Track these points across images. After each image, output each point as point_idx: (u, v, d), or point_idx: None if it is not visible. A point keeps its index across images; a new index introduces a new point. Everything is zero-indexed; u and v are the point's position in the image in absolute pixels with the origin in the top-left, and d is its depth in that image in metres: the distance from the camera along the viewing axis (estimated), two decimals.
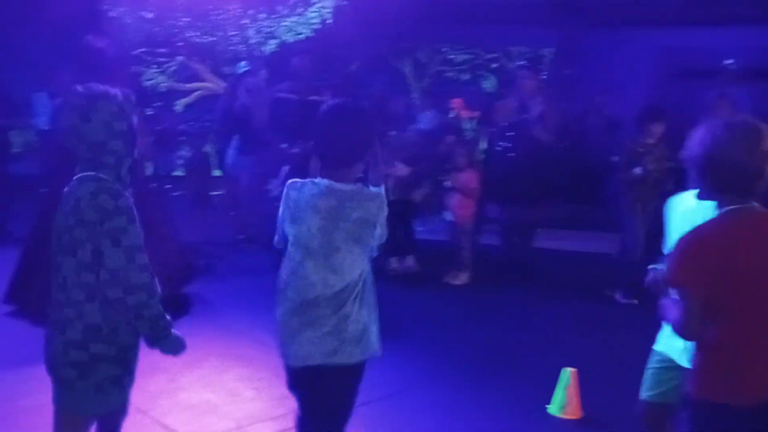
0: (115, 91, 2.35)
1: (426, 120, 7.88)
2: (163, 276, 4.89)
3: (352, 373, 2.52)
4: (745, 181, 2.06)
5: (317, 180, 2.49)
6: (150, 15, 9.68)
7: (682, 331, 2.10)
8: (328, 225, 2.42)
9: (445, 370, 4.35)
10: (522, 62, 9.74)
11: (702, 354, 2.14)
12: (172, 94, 10.47)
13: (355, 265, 2.46)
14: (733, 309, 2.06)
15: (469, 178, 6.01)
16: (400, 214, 6.44)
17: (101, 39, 5.15)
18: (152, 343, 2.34)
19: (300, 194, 2.51)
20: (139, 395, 3.65)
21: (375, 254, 2.57)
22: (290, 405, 3.69)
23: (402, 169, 6.15)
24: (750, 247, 2.05)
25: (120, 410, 2.57)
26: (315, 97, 6.50)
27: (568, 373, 3.79)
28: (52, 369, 2.35)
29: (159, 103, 9.97)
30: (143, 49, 9.71)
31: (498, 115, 6.30)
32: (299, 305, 2.48)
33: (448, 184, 6.13)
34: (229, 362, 4.21)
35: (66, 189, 2.31)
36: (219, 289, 5.68)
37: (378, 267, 6.16)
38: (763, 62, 8.88)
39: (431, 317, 5.37)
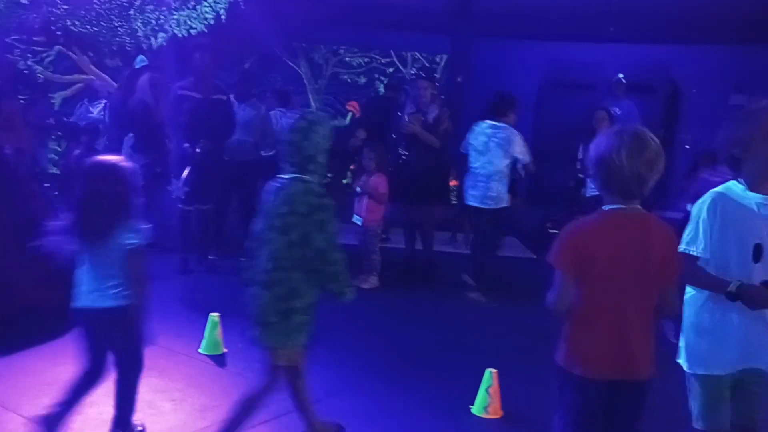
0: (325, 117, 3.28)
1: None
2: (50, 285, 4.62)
3: None
4: (627, 185, 2.32)
5: None
6: (24, 1, 9.00)
7: (553, 305, 2.42)
8: None
9: (364, 376, 4.32)
10: (418, 69, 9.90)
11: (565, 329, 2.48)
12: (49, 86, 9.76)
13: None
14: (586, 294, 2.39)
15: (378, 182, 6.02)
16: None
17: None
18: (340, 296, 3.05)
19: None
20: (36, 410, 3.38)
21: None
22: (212, 416, 3.55)
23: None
24: (613, 243, 2.36)
25: (305, 348, 3.18)
26: (218, 96, 6.29)
27: (489, 374, 3.88)
28: (259, 316, 3.02)
29: (33, 95, 9.24)
30: (15, 37, 8.97)
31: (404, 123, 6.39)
32: None
33: (357, 188, 6.12)
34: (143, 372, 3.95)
35: (275, 184, 3.04)
36: None
37: None
38: (637, 77, 9.59)
39: (344, 322, 5.31)
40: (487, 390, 3.86)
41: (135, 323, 3.08)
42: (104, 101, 8.01)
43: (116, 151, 7.12)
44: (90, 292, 3.04)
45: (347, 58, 10.44)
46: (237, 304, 5.28)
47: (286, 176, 3.02)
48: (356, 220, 6.15)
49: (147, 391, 3.74)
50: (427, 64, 10.24)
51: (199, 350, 4.34)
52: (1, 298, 4.43)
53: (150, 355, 4.16)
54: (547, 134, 9.77)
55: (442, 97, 7.34)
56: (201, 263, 6.36)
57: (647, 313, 2.41)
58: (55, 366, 3.96)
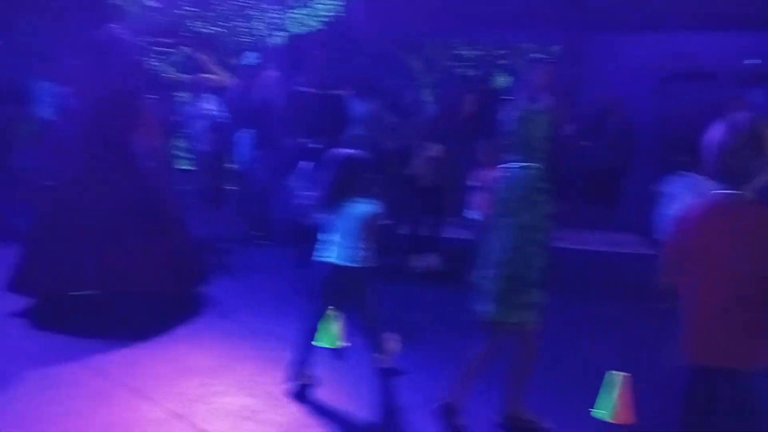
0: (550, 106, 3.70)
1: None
2: (175, 273, 4.84)
3: None
4: (737, 172, 2.34)
5: None
6: (154, 4, 9.51)
7: (657, 279, 2.56)
8: None
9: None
10: (533, 57, 9.67)
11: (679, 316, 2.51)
12: (175, 85, 10.25)
13: None
14: (694, 278, 2.43)
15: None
16: (430, 203, 6.34)
17: (121, 30, 5.05)
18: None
19: None
20: (173, 399, 3.55)
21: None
22: (334, 409, 3.60)
23: (436, 150, 6.00)
24: (717, 227, 2.39)
25: (534, 325, 3.44)
26: (334, 91, 6.38)
27: (614, 377, 3.71)
28: (493, 294, 3.34)
29: (162, 94, 9.73)
30: (147, 39, 9.48)
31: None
32: None
33: (473, 181, 6.01)
34: (263, 365, 4.07)
35: (507, 172, 3.33)
36: (236, 288, 5.54)
37: (397, 265, 6.14)
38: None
39: (458, 319, 5.26)
40: (612, 394, 3.69)
41: (368, 283, 3.80)
42: (222, 98, 8.28)
43: (238, 146, 7.41)
44: (336, 251, 3.77)
45: (460, 51, 10.34)
46: (356, 298, 5.42)
47: (514, 165, 3.34)
48: (472, 214, 6.05)
49: (269, 382, 3.87)
50: (538, 57, 10.00)
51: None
52: (134, 285, 4.71)
53: (268, 347, 4.32)
54: (670, 127, 9.24)
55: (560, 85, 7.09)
56: None
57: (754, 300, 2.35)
58: (191, 353, 4.14)
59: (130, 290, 4.70)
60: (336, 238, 3.80)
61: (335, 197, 3.77)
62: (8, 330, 4.46)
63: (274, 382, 3.87)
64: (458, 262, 6.12)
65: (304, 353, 3.83)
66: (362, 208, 3.76)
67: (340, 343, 4.42)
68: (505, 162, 3.38)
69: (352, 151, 3.94)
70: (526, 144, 3.32)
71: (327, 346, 4.37)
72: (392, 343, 4.14)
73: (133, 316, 4.59)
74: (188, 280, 5.11)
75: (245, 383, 3.85)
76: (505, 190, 3.36)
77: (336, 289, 3.83)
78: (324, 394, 3.80)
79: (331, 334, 4.40)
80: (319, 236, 3.88)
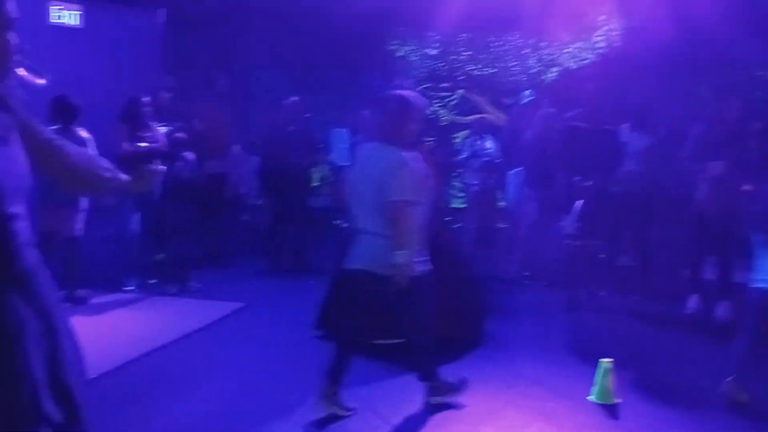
0: None
1: None
2: (454, 313, 4.83)
3: None
4: None
5: None
6: (434, 51, 10.03)
7: None
8: None
9: None
10: None
11: None
12: (452, 127, 10.64)
13: None
14: None
15: None
16: (720, 236, 5.63)
17: (405, 85, 5.38)
18: None
19: None
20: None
21: None
22: None
23: (716, 167, 5.35)
24: None
25: None
26: (607, 126, 6.04)
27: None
28: None
29: (440, 137, 10.16)
30: (427, 85, 10.01)
31: None
32: None
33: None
34: (530, 416, 3.88)
35: None
36: (503, 331, 5.42)
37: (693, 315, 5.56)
38: None
39: None
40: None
41: None
42: (495, 137, 8.34)
43: (510, 185, 7.38)
44: None
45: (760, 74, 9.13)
46: (630, 348, 5.00)
47: None
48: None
49: None
50: None
51: (589, 397, 4.11)
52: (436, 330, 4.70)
53: (536, 397, 4.14)
54: None
55: None
56: (590, 300, 6.13)
57: None
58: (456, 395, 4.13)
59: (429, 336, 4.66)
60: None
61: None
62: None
63: None
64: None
65: None
66: None
67: (613, 399, 4.07)
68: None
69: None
70: None
71: (599, 401, 4.05)
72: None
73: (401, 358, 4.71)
74: (470, 322, 5.11)
75: None
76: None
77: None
78: None
79: (605, 387, 4.07)
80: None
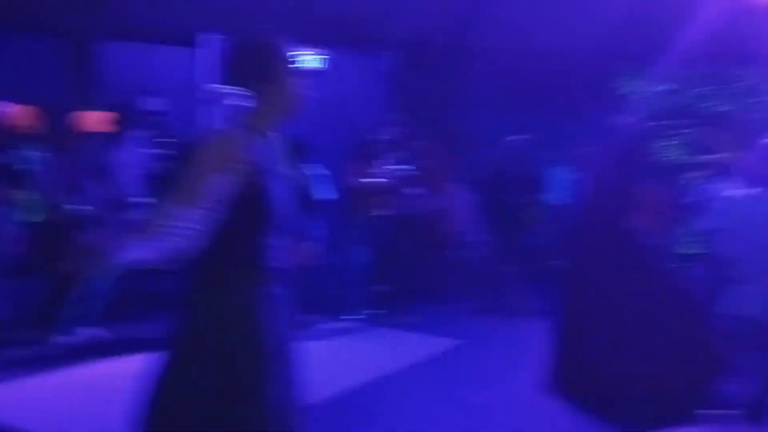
0: None
1: None
2: (696, 368, 4.40)
3: None
4: None
5: None
6: (665, 87, 9.41)
7: None
8: None
9: None
10: None
11: None
12: (680, 167, 9.89)
13: None
14: None
15: None
16: None
17: (627, 116, 5.17)
18: None
19: None
20: None
21: None
22: None
23: None
24: None
25: None
26: None
27: None
28: None
29: (671, 176, 9.51)
30: (661, 122, 9.44)
31: None
32: None
33: None
34: None
35: None
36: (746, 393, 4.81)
37: None
38: None
39: None
40: None
41: None
42: (732, 177, 7.58)
43: None
44: None
45: None
46: None
47: None
48: None
49: None
50: None
51: None
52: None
53: None
54: None
55: None
56: None
57: None
58: None
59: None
60: None
61: None
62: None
63: None
64: None
65: None
66: None
67: None
68: None
69: None
70: None
71: None
72: None
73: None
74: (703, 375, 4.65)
75: None
76: None
77: None
78: None
79: None
80: None
